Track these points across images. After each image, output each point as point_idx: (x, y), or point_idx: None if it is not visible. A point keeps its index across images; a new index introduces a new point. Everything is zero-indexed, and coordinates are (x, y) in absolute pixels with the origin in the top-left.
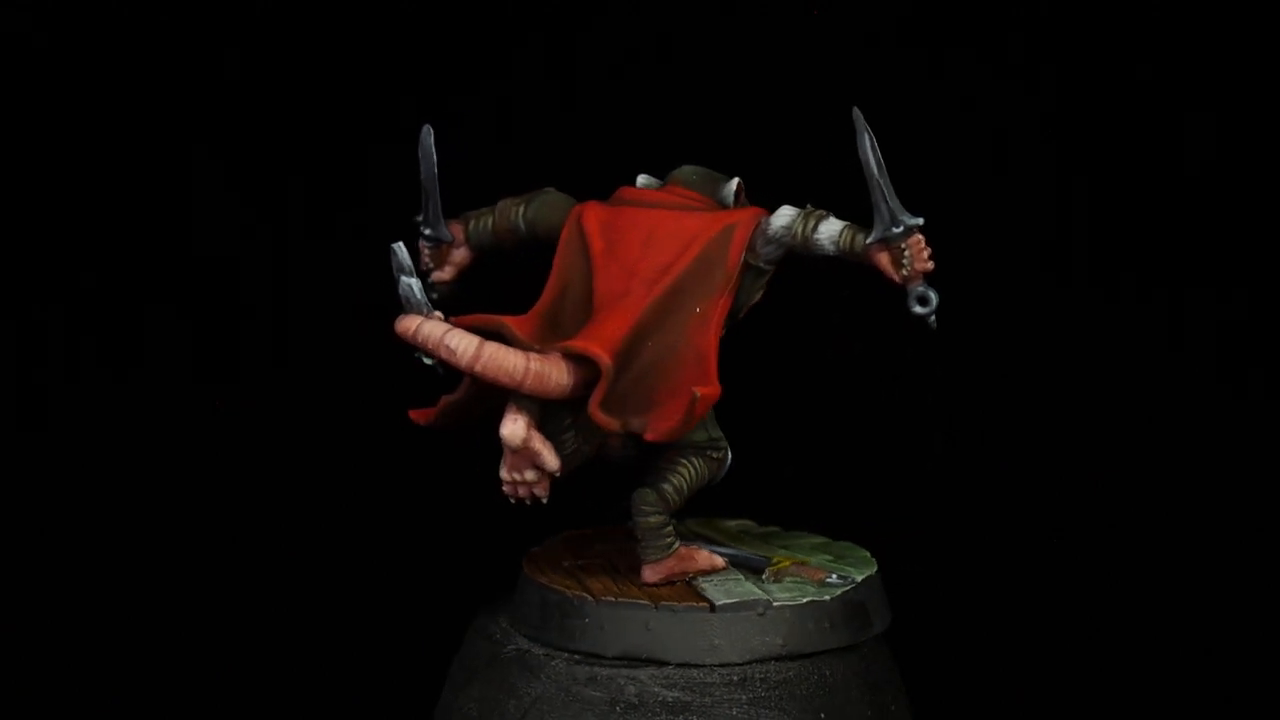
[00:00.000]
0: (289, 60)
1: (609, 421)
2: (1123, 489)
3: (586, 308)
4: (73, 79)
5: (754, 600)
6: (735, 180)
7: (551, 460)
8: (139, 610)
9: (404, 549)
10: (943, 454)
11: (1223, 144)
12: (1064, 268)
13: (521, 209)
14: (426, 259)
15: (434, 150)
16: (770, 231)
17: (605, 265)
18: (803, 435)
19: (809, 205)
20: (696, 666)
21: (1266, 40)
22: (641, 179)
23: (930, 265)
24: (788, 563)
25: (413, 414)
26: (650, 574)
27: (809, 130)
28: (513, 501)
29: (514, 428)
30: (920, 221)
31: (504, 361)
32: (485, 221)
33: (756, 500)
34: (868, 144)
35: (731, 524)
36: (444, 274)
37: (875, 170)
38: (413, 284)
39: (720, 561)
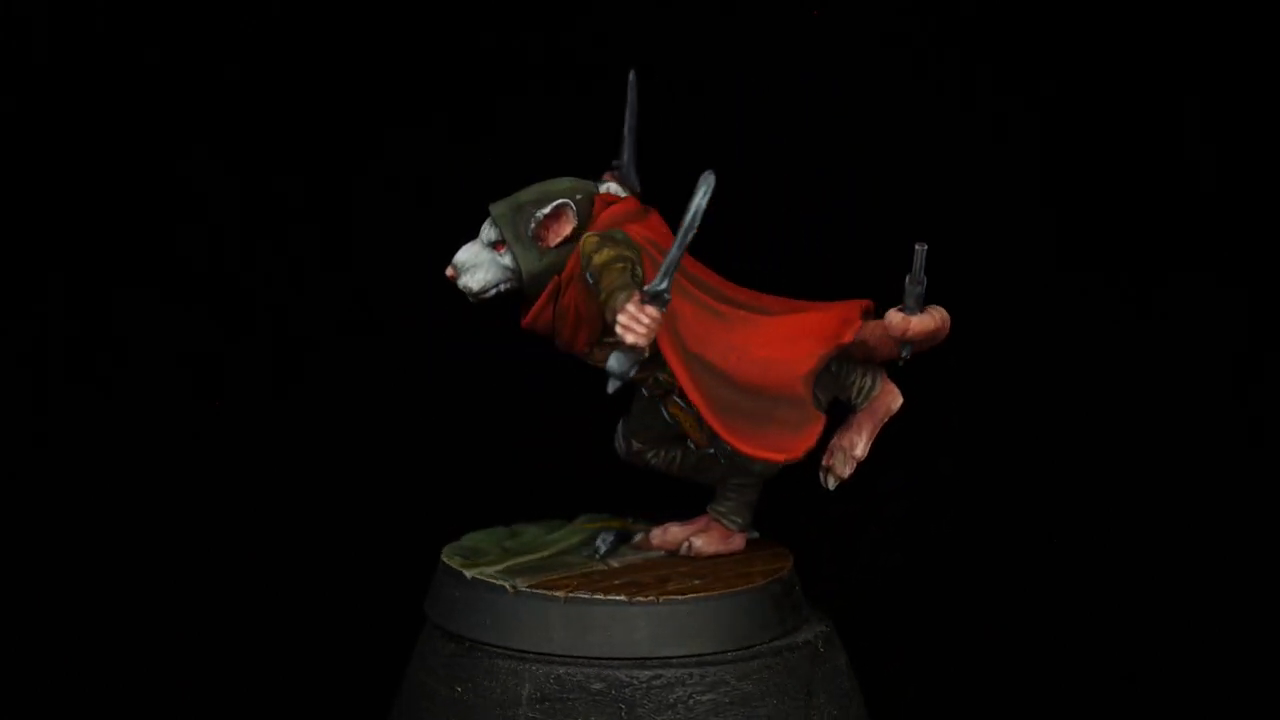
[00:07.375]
0: (289, 59)
1: None
2: (1121, 487)
3: (743, 303)
4: (72, 78)
5: None
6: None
7: None
8: (135, 608)
9: (398, 545)
10: (950, 472)
11: (1223, 144)
12: (1064, 267)
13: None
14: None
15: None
16: None
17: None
18: None
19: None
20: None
21: (1267, 40)
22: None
23: None
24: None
25: (781, 457)
26: (743, 541)
27: (809, 130)
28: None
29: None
30: None
31: None
32: None
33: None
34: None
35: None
36: None
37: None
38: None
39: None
